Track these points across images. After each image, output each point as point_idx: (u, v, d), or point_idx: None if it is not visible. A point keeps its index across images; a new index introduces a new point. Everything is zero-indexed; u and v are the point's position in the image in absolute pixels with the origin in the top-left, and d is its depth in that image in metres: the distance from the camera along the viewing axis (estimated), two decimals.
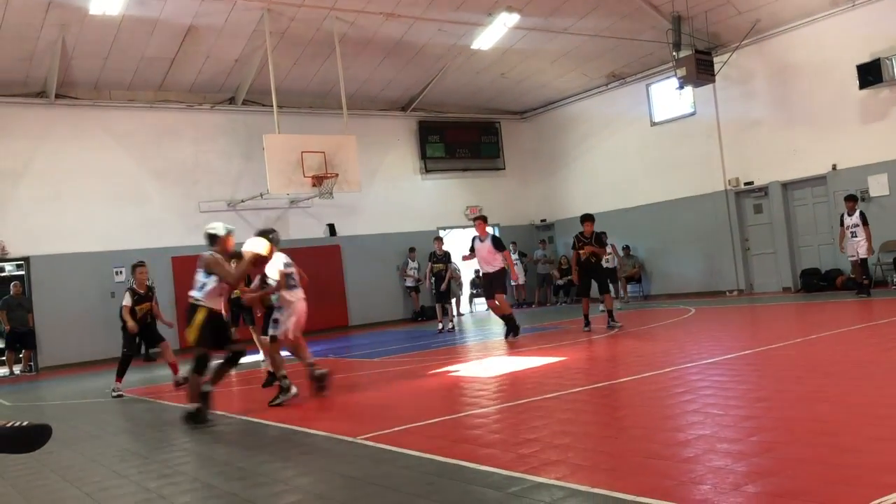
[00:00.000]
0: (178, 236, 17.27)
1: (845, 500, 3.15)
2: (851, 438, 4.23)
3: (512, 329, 12.18)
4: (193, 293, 7.14)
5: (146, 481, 4.99)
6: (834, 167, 15.79)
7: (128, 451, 6.22)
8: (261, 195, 17.18)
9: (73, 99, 16.70)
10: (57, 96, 16.29)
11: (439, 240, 16.80)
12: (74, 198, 16.50)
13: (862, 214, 13.80)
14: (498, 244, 12.48)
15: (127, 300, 10.27)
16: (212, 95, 18.29)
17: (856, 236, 13.76)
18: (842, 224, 14.13)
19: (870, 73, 14.53)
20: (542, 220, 23.09)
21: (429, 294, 20.81)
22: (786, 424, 4.77)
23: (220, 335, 7.23)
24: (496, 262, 12.39)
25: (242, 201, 18.05)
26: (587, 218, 12.60)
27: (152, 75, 16.87)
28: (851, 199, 14.08)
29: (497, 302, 12.31)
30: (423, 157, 21.35)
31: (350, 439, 5.61)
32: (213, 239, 7.27)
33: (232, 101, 18.46)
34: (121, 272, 16.58)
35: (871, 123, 15.14)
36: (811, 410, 5.13)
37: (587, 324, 12.39)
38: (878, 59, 14.36)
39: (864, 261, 13.72)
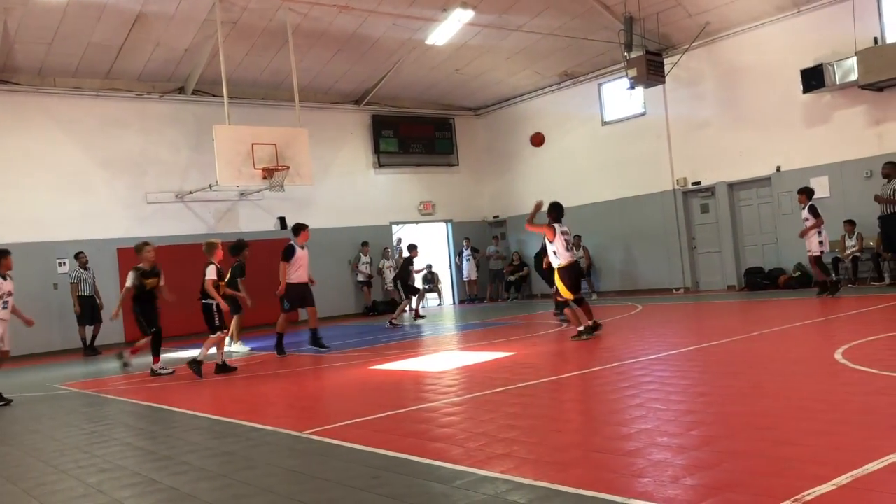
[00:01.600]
0: (125, 228, 16.94)
1: (778, 492, 3.25)
2: (786, 432, 4.36)
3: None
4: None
5: (86, 476, 4.90)
6: (778, 169, 16.20)
7: (67, 445, 6.08)
8: (210, 187, 16.92)
9: (15, 85, 16.21)
10: None
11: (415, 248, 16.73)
12: (15, 186, 16.01)
13: (812, 208, 13.25)
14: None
15: (132, 280, 10.25)
16: (161, 85, 17.94)
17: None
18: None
19: (813, 78, 14.92)
20: (494, 217, 23.21)
21: (381, 290, 20.80)
22: (725, 419, 4.89)
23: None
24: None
25: (191, 192, 17.76)
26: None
27: (99, 63, 16.48)
28: (801, 192, 13.65)
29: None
30: (377, 151, 21.27)
31: (296, 433, 5.58)
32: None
33: (182, 90, 18.13)
34: (64, 263, 16.18)
35: (814, 127, 15.57)
36: (750, 405, 5.27)
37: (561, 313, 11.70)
38: (822, 65, 14.76)
39: (817, 258, 13.22)
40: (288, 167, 15.74)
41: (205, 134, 16.53)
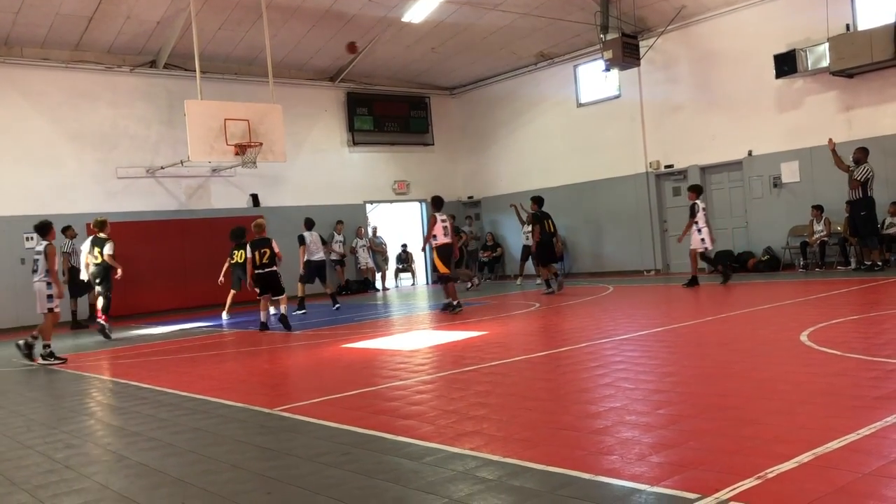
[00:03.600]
0: (95, 202, 16.68)
1: (741, 469, 3.31)
2: (751, 411, 4.44)
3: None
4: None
5: (52, 452, 4.85)
6: (749, 153, 16.35)
7: (34, 421, 6.02)
8: (181, 162, 16.72)
9: None
10: None
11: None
12: None
13: (692, 207, 13.77)
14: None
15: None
16: (132, 58, 17.63)
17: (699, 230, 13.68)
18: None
19: (785, 64, 15.04)
20: (469, 197, 23.20)
21: (354, 268, 20.74)
22: (691, 398, 4.97)
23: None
24: None
25: (162, 168, 17.53)
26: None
27: (68, 34, 16.13)
28: (691, 189, 14.22)
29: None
30: (352, 129, 21.12)
31: (267, 410, 5.57)
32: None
33: (153, 64, 17.83)
34: (31, 238, 15.90)
35: (786, 112, 15.72)
36: (716, 385, 5.35)
37: (549, 286, 14.64)
38: (794, 50, 14.89)
39: (701, 253, 13.85)
40: (261, 144, 15.59)
41: (176, 109, 16.29)
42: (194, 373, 8.12)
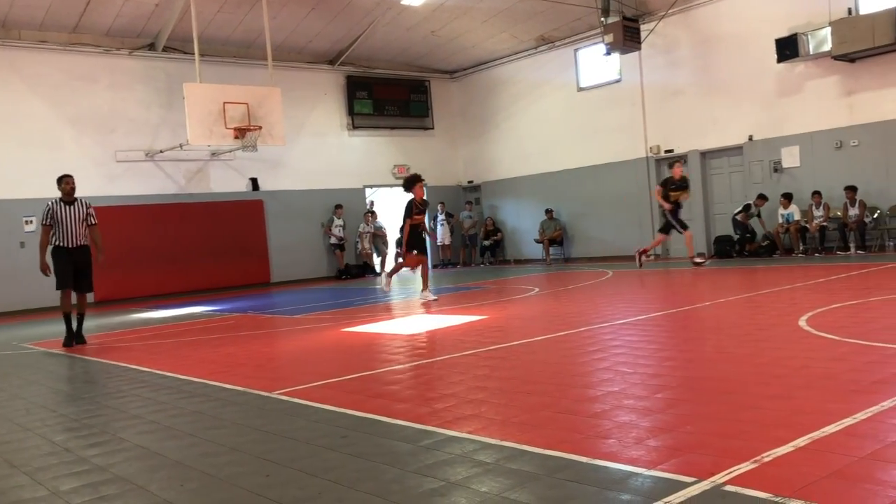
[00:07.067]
0: (94, 186, 16.66)
1: (738, 453, 3.32)
2: (749, 396, 4.45)
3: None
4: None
5: (52, 434, 4.87)
6: (750, 138, 16.32)
7: (34, 403, 6.04)
8: (180, 146, 16.69)
9: None
10: None
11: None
12: None
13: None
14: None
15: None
16: (130, 41, 17.56)
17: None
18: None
19: (787, 48, 14.99)
20: (469, 182, 23.17)
21: (354, 252, 20.75)
22: (690, 382, 4.97)
23: None
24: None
25: (161, 152, 17.50)
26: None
27: (66, 16, 16.06)
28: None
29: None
30: (351, 112, 21.07)
31: (265, 394, 5.59)
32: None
33: (152, 47, 17.77)
34: (31, 221, 15.92)
35: (787, 97, 15.67)
36: (714, 369, 5.36)
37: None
38: (796, 35, 14.82)
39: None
40: (260, 127, 15.57)
41: (175, 92, 16.25)
42: (194, 356, 8.14)
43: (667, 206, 14.67)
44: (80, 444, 4.59)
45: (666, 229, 15.09)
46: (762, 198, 15.65)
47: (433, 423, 4.29)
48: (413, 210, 11.77)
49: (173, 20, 16.73)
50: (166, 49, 17.71)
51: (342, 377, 6.02)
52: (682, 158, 16.08)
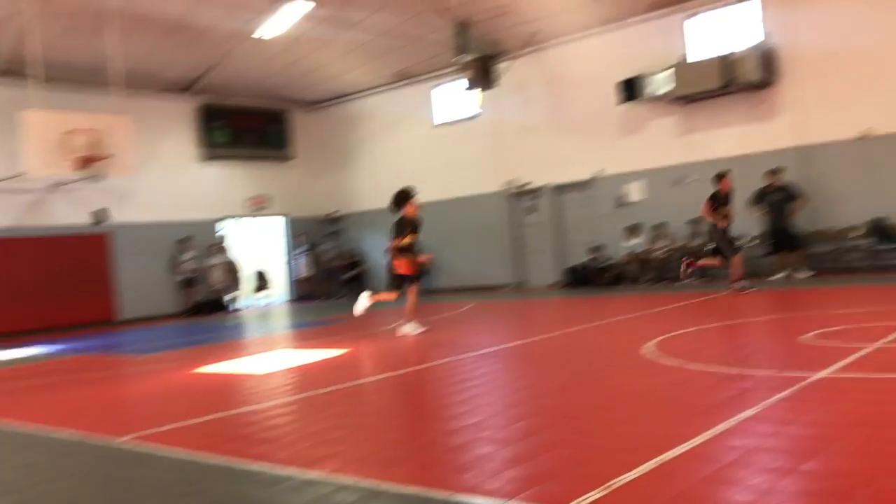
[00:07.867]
0: None
1: (589, 480, 3.43)
2: (597, 422, 4.63)
3: None
4: None
5: None
6: (597, 174, 17.19)
7: None
8: (18, 176, 15.57)
9: None
10: None
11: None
12: None
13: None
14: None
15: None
16: None
17: None
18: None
19: (628, 90, 16.00)
20: (335, 211, 22.92)
21: (205, 288, 19.96)
22: (544, 411, 5.11)
23: None
24: None
25: None
26: None
27: None
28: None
29: None
30: (206, 142, 20.43)
31: (109, 440, 5.24)
32: None
33: None
34: None
35: (629, 135, 16.68)
36: (566, 396, 5.54)
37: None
38: (636, 77, 15.84)
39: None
40: (107, 156, 14.80)
41: (16, 118, 15.19)
42: (29, 402, 7.53)
43: (721, 222, 12.51)
44: None
45: (719, 251, 12.73)
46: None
47: (290, 466, 4.17)
48: (408, 228, 10.42)
49: (10, 43, 15.64)
50: (6, 73, 16.53)
51: (194, 420, 5.74)
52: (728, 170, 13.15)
